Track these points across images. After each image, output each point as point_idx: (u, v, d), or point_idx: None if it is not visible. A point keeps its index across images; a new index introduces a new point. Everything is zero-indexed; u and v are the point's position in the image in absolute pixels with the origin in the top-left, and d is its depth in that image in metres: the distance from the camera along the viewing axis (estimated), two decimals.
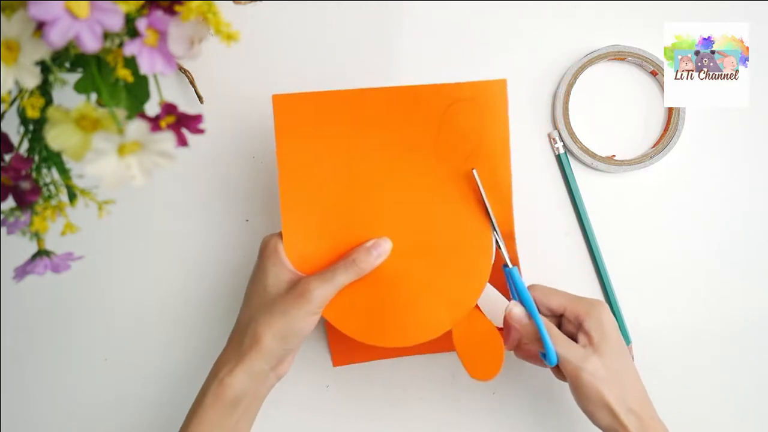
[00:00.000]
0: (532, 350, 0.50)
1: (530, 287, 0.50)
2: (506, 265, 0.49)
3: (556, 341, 0.46)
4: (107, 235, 0.58)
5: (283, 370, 0.48)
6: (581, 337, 0.47)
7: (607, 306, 0.48)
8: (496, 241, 0.49)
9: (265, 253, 0.48)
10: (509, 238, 0.51)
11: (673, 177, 0.58)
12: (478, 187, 0.49)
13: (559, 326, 0.50)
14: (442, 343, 0.50)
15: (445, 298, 0.49)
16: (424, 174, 0.49)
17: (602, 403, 0.45)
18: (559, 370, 0.48)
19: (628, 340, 0.57)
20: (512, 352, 0.52)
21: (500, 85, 0.48)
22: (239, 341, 0.46)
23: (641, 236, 0.58)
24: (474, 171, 0.48)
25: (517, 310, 0.48)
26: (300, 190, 0.49)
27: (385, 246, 0.48)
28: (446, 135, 0.49)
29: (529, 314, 0.48)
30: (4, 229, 0.37)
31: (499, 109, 0.49)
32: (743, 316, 0.58)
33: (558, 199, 0.58)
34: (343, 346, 0.57)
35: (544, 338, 0.46)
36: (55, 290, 0.59)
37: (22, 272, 0.38)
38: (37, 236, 0.37)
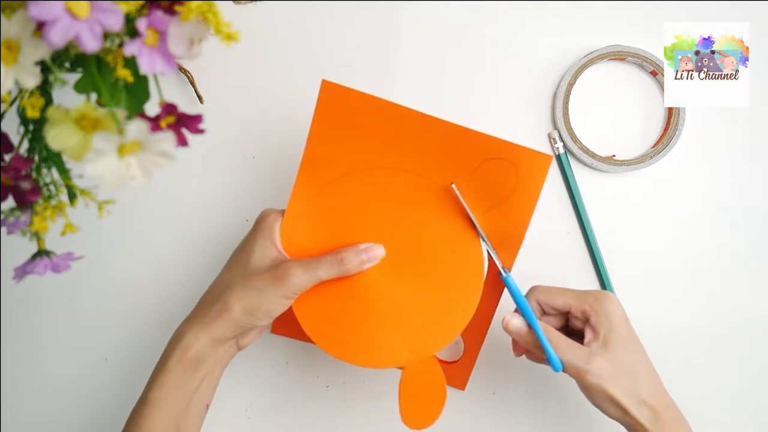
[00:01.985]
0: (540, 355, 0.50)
1: (532, 289, 0.49)
2: (502, 274, 0.49)
3: (557, 347, 0.46)
4: (107, 235, 0.58)
5: (244, 342, 0.48)
6: (588, 333, 0.47)
7: (613, 296, 0.47)
8: (488, 252, 0.49)
9: (259, 225, 0.48)
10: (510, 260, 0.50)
11: (673, 177, 0.58)
12: (462, 204, 0.48)
13: (566, 322, 0.49)
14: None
15: (412, 334, 0.49)
16: (437, 209, 0.49)
17: (610, 400, 0.45)
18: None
19: None
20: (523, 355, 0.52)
21: (545, 160, 0.47)
22: (208, 306, 0.47)
23: (641, 236, 0.58)
24: (453, 185, 0.48)
25: (514, 321, 0.47)
26: (315, 179, 0.48)
27: (376, 253, 0.47)
28: (475, 185, 0.48)
29: (528, 323, 0.47)
30: (4, 229, 0.37)
31: (536, 181, 0.48)
32: (743, 315, 0.58)
33: (558, 199, 0.58)
34: (288, 321, 0.55)
35: (545, 347, 0.46)
36: (55, 290, 0.59)
37: (22, 272, 0.38)
38: (37, 236, 0.37)
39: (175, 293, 0.59)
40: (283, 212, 0.48)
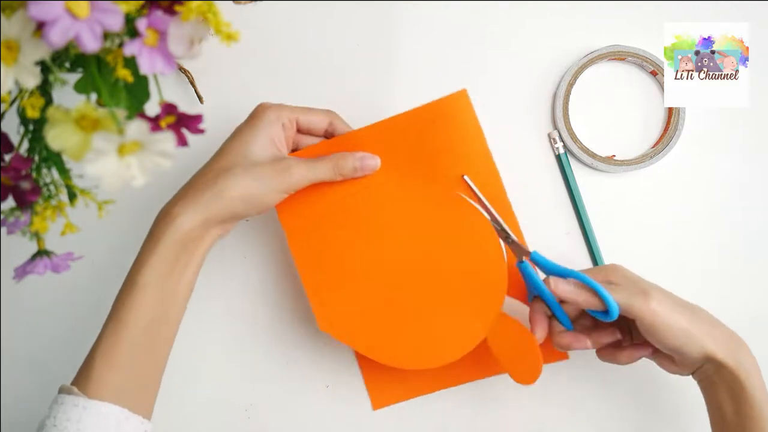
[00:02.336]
0: (612, 345, 0.50)
1: (545, 281, 0.50)
2: (521, 262, 0.50)
3: (612, 292, 0.46)
4: (107, 235, 0.58)
5: (225, 229, 0.48)
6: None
7: (621, 266, 0.49)
8: (507, 237, 0.50)
9: (259, 119, 0.48)
10: (517, 233, 0.52)
11: (673, 177, 0.58)
12: (474, 193, 0.50)
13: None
14: (473, 371, 0.54)
15: (471, 309, 0.50)
16: (421, 198, 0.50)
17: (683, 331, 0.45)
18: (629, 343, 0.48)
19: None
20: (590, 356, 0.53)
21: (462, 96, 0.50)
22: (202, 190, 0.46)
23: (641, 236, 0.58)
24: (466, 177, 0.50)
25: (562, 285, 0.47)
26: (312, 250, 0.51)
27: (369, 162, 0.49)
28: (427, 157, 0.50)
29: (575, 280, 0.47)
30: (4, 229, 0.37)
31: (469, 118, 0.51)
32: (744, 315, 0.58)
33: (558, 199, 0.58)
34: (381, 386, 0.58)
35: (600, 292, 0.45)
36: (55, 290, 0.59)
37: (22, 272, 0.38)
38: (37, 236, 0.37)
39: None
40: (279, 106, 0.49)
